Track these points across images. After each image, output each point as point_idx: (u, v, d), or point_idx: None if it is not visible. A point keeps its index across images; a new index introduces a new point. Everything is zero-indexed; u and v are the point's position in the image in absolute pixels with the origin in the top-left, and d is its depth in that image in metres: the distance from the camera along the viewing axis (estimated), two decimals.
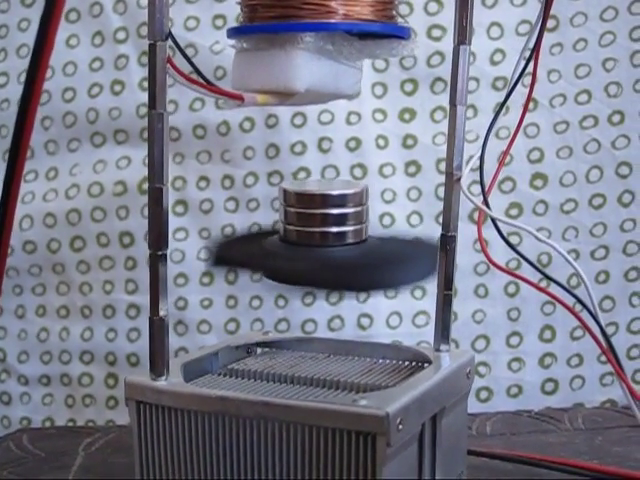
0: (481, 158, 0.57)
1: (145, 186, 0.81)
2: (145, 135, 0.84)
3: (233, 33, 0.54)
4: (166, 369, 0.55)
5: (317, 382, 0.58)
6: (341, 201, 0.55)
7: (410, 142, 0.85)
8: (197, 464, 0.54)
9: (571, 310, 0.55)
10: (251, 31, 0.52)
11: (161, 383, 0.55)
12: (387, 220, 0.85)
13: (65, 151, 0.87)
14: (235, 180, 0.85)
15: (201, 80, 0.53)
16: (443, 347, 0.60)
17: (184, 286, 0.86)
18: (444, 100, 0.84)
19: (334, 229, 0.54)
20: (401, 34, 0.54)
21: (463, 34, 0.57)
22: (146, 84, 0.82)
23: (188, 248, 0.85)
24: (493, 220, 0.56)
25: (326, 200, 0.54)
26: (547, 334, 0.86)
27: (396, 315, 0.84)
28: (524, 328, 0.86)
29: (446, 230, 0.59)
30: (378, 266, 0.54)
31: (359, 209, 0.55)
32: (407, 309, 0.84)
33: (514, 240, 0.80)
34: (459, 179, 0.58)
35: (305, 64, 0.51)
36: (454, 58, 0.57)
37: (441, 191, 0.83)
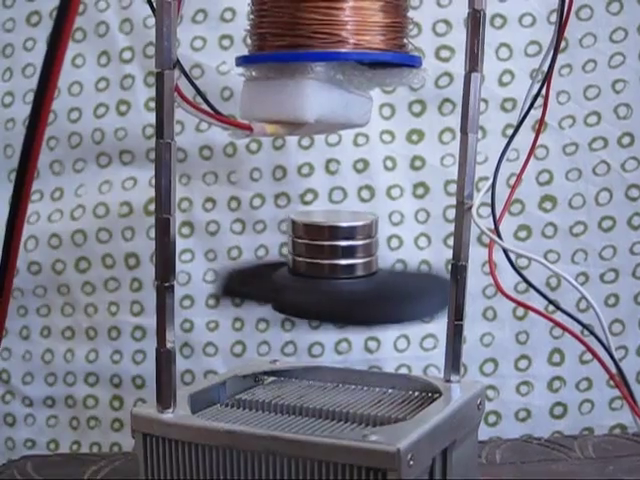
0: (492, 186, 0.57)
1: (151, 207, 0.82)
2: (151, 156, 0.84)
3: (242, 62, 0.53)
4: (173, 401, 0.54)
5: (326, 414, 0.57)
6: (350, 233, 0.54)
7: (418, 164, 0.84)
8: None
9: (578, 338, 0.54)
10: (260, 60, 0.52)
11: (168, 416, 0.54)
12: (395, 243, 0.84)
13: (71, 171, 0.86)
14: (242, 202, 0.84)
15: (209, 109, 0.52)
16: (453, 378, 0.60)
17: (190, 308, 0.85)
18: (452, 122, 0.84)
19: (343, 261, 0.54)
20: (412, 63, 0.53)
21: (474, 61, 0.56)
22: (152, 104, 0.83)
23: (194, 270, 0.85)
24: (504, 250, 0.56)
25: (335, 232, 0.54)
26: (556, 358, 0.85)
27: (404, 338, 0.84)
28: (533, 351, 0.85)
29: (457, 259, 0.58)
30: (388, 300, 0.53)
31: (368, 241, 0.55)
32: (415, 332, 0.84)
33: (523, 263, 0.79)
34: (470, 208, 0.57)
35: (315, 94, 0.51)
36: (465, 85, 0.57)
37: (449, 213, 0.84)
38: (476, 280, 0.83)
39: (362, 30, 0.51)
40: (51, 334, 0.87)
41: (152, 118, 0.79)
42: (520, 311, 0.85)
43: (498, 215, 0.57)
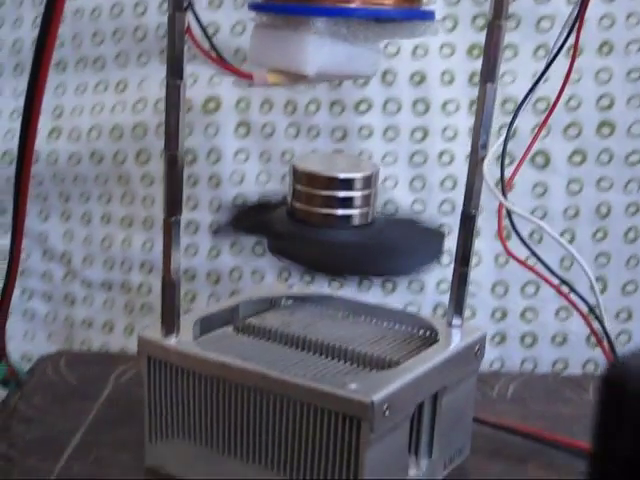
0: (506, 138, 0.57)
1: (210, 105, 0.84)
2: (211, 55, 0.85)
3: (253, 7, 0.53)
4: (176, 327, 0.57)
5: (325, 349, 0.59)
6: (348, 185, 0.54)
7: (477, 80, 0.83)
8: (199, 420, 0.57)
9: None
10: (265, 10, 0.52)
11: (170, 341, 0.57)
12: (446, 158, 0.84)
13: (135, 65, 0.88)
14: (297, 106, 0.85)
15: (214, 55, 0.53)
16: (455, 322, 0.61)
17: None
18: (516, 38, 0.82)
19: (339, 211, 0.55)
20: (422, 17, 0.52)
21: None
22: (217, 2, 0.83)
23: (248, 170, 0.86)
24: (509, 213, 0.56)
25: (333, 183, 0.54)
26: (599, 286, 0.84)
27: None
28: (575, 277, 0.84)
29: (467, 208, 0.58)
30: (380, 253, 0.54)
31: (367, 192, 0.55)
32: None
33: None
34: (483, 158, 0.57)
35: (316, 49, 0.51)
36: (488, 34, 0.56)
37: (504, 132, 0.83)
38: (525, 203, 0.83)
39: None
40: (111, 221, 0.91)
41: (217, 17, 0.80)
42: (567, 236, 0.84)
43: (512, 170, 0.57)
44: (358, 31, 0.51)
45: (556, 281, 0.61)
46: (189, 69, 0.85)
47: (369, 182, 0.55)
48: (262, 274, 0.87)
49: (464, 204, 0.58)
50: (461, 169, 0.83)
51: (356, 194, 0.55)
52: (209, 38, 0.54)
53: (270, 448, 0.54)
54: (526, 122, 0.81)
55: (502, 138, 0.57)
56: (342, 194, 0.54)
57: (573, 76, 0.80)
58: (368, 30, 0.51)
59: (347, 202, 0.54)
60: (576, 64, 0.80)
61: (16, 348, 0.93)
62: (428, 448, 0.58)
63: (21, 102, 0.62)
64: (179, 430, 0.57)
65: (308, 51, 0.50)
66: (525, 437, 0.63)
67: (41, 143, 0.89)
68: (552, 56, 0.57)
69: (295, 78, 0.52)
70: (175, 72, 0.53)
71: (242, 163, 0.86)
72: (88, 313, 0.92)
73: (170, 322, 0.57)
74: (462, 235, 0.59)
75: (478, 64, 0.81)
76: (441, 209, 0.84)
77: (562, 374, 0.82)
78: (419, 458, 0.58)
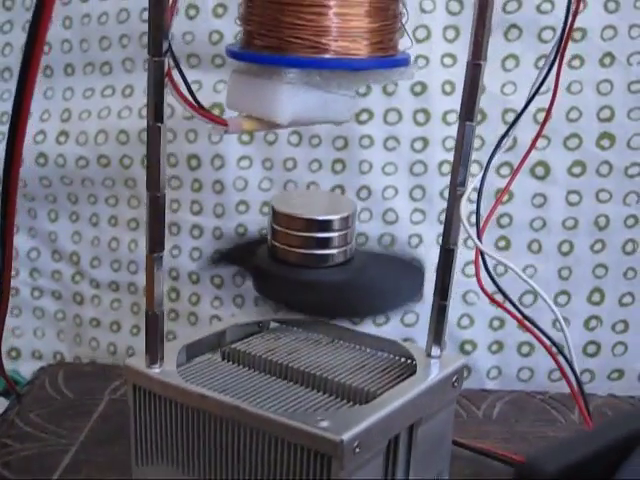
0: (480, 187, 0.57)
1: (214, 112, 0.84)
2: (216, 61, 0.86)
3: (229, 54, 0.54)
4: (160, 357, 0.59)
5: (306, 378, 0.60)
6: (326, 226, 0.55)
7: None
8: (181, 448, 0.58)
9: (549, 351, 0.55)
10: (242, 58, 0.53)
11: (154, 371, 0.58)
12: (446, 168, 0.84)
13: (141, 70, 0.89)
14: None
15: (192, 101, 0.54)
16: (434, 352, 0.61)
17: (245, 214, 0.88)
18: (517, 48, 0.82)
19: (318, 252, 0.56)
20: (396, 66, 0.53)
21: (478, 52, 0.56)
22: (220, 11, 0.84)
23: (251, 177, 0.87)
24: (482, 253, 0.56)
25: (311, 225, 0.55)
26: (596, 297, 0.85)
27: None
28: (574, 288, 0.85)
29: (446, 243, 0.59)
30: (361, 293, 0.55)
31: (345, 232, 0.56)
32: None
33: None
34: (462, 195, 0.58)
35: (289, 98, 0.51)
36: (467, 73, 0.56)
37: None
38: (525, 212, 0.84)
39: (344, 36, 0.50)
40: (118, 223, 0.92)
41: (219, 25, 0.80)
42: (565, 246, 0.84)
43: (508, 180, 0.58)
44: (331, 79, 0.52)
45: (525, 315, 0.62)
46: (194, 75, 0.86)
47: (347, 222, 0.56)
48: None
49: (443, 239, 0.59)
50: None
51: (334, 234, 0.55)
52: (188, 85, 0.55)
53: (246, 479, 0.55)
54: (526, 134, 0.81)
55: (480, 175, 0.58)
56: (321, 235, 0.55)
57: (575, 87, 0.81)
58: (342, 78, 0.52)
59: (326, 242, 0.55)
60: (577, 75, 0.81)
61: (26, 345, 0.96)
62: (405, 477, 0.59)
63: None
64: (163, 456, 0.59)
65: (281, 100, 0.51)
66: (504, 463, 0.64)
67: (50, 145, 0.90)
68: (545, 72, 0.57)
69: (270, 125, 0.53)
70: (157, 116, 0.53)
71: (245, 169, 0.87)
72: (96, 312, 0.94)
73: (154, 352, 0.58)
74: (441, 269, 0.60)
75: None
76: (440, 219, 0.85)
77: (551, 392, 0.83)
78: None
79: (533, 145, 0.60)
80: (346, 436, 0.51)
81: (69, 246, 0.94)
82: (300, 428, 0.52)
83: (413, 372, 0.60)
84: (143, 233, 0.90)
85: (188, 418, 0.57)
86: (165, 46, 0.52)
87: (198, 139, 0.87)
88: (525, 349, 0.86)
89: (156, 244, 0.56)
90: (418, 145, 0.84)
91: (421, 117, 0.84)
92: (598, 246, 0.84)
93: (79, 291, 0.95)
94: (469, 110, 0.57)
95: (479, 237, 0.58)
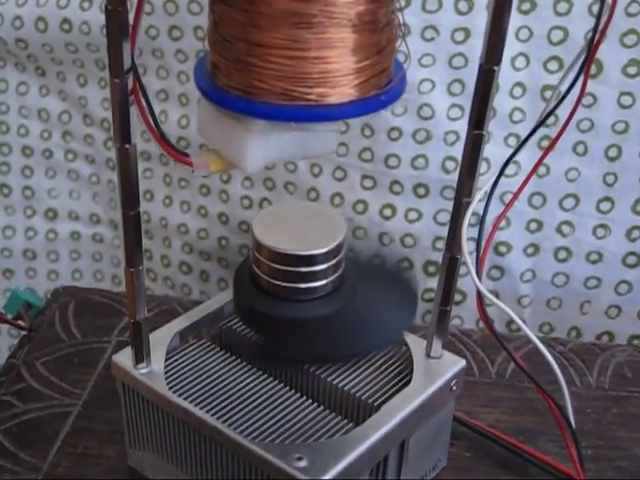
0: (487, 202, 0.53)
1: None
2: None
3: (198, 87, 0.48)
4: (147, 358, 0.58)
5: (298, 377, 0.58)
6: (312, 260, 0.52)
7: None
8: (168, 443, 0.58)
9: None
10: (207, 95, 0.47)
11: (140, 372, 0.57)
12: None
13: None
14: None
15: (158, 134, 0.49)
16: (434, 353, 0.59)
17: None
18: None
19: (302, 285, 0.52)
20: (383, 107, 0.47)
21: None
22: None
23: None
24: (478, 291, 0.53)
25: (295, 260, 0.51)
26: None
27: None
28: (618, 196, 0.80)
29: (450, 251, 0.55)
30: (349, 329, 0.52)
31: (332, 263, 0.52)
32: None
33: None
34: (468, 204, 0.53)
35: (258, 146, 0.46)
36: (479, 78, 0.50)
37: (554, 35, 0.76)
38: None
39: (322, 82, 0.44)
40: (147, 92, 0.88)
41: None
42: (613, 151, 0.78)
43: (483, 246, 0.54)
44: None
45: None
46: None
47: (336, 252, 0.52)
48: None
49: (447, 247, 0.55)
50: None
51: (320, 268, 0.52)
52: (154, 116, 0.49)
53: None
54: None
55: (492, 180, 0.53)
56: (305, 269, 0.52)
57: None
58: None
59: (310, 276, 0.52)
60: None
61: (63, 206, 0.96)
62: (396, 477, 0.59)
63: None
64: (152, 446, 0.59)
65: (249, 150, 0.46)
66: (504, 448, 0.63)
67: (73, 10, 0.85)
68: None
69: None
70: (123, 138, 0.49)
71: None
72: None
73: (140, 354, 0.57)
74: (445, 276, 0.56)
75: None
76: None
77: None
78: None
79: (532, 172, 0.54)
80: (326, 477, 0.50)
81: (99, 112, 0.91)
82: (277, 465, 0.51)
83: (410, 371, 0.58)
84: (173, 104, 0.87)
85: (173, 423, 0.57)
86: (127, 64, 0.47)
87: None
88: (562, 254, 0.82)
89: (134, 258, 0.53)
90: (459, 36, 0.77)
91: (463, 6, 0.76)
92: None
93: (111, 157, 0.92)
94: (479, 118, 0.51)
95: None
